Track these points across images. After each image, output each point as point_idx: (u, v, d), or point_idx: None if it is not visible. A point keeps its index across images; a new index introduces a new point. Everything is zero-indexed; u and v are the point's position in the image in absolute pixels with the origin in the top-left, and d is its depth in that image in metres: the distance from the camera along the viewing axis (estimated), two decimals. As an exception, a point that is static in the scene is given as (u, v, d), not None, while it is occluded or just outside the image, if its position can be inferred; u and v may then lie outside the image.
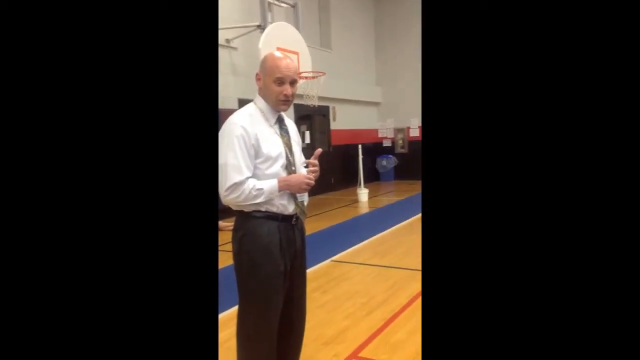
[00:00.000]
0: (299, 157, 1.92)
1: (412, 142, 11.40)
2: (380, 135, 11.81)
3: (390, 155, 11.40)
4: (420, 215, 6.49)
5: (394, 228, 5.75)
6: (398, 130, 11.61)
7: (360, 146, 8.55)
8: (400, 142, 11.61)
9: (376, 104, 11.67)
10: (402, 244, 4.98)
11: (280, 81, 1.77)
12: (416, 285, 3.52)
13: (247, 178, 1.72)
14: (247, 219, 1.79)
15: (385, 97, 11.60)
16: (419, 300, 3.22)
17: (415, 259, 4.31)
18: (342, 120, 10.20)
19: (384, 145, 11.73)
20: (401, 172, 11.30)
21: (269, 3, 6.42)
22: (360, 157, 8.40)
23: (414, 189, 9.54)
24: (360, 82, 10.95)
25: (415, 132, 11.32)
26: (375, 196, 8.94)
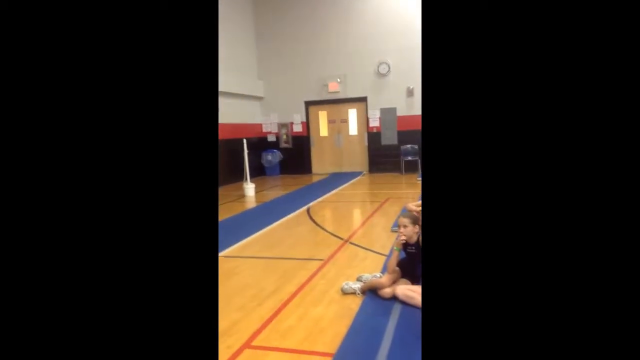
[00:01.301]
0: None
1: (295, 137, 11.70)
2: (264, 130, 11.87)
3: (275, 150, 11.55)
4: (305, 207, 6.75)
5: (281, 220, 5.88)
6: (282, 125, 11.80)
7: (245, 140, 8.49)
8: (285, 137, 11.82)
9: (259, 98, 11.68)
10: (290, 236, 5.13)
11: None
12: (304, 273, 3.69)
13: None
14: None
15: (268, 92, 11.68)
16: (308, 287, 3.39)
17: (302, 249, 4.49)
18: (225, 115, 9.99)
19: (269, 140, 11.83)
20: (286, 167, 11.53)
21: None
22: (246, 151, 8.35)
23: (299, 183, 9.83)
24: (242, 75, 10.84)
25: (299, 128, 11.64)
26: (261, 191, 8.99)
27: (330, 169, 11.50)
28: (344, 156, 11.50)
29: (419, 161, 10.28)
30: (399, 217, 3.26)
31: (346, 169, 11.35)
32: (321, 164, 11.64)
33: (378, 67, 10.66)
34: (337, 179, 10.03)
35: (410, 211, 3.61)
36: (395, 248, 3.16)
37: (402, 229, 3.09)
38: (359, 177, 10.31)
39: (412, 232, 3.06)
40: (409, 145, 10.48)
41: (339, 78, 10.98)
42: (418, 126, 10.43)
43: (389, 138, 10.83)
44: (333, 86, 11.01)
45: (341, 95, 11.08)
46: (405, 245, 3.13)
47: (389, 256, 3.61)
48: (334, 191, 8.38)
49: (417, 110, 10.47)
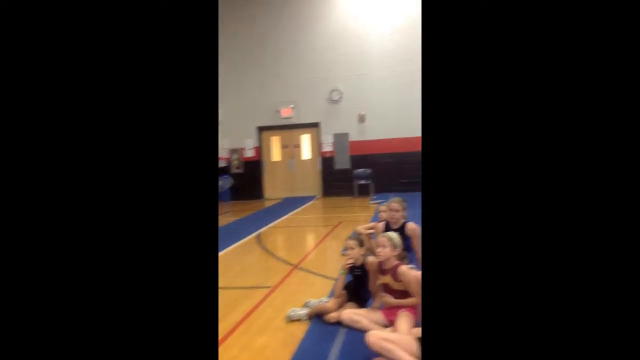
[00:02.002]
0: None
1: (247, 163, 11.55)
2: (216, 155, 11.64)
3: (227, 175, 11.32)
4: (256, 234, 6.59)
5: (230, 248, 5.69)
6: (233, 151, 11.63)
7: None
8: (236, 162, 11.65)
9: (211, 123, 11.48)
10: (238, 264, 4.95)
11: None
12: (250, 302, 3.54)
13: None
14: None
15: (220, 117, 11.53)
16: (253, 316, 3.25)
17: (249, 277, 4.33)
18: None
19: (220, 165, 11.60)
20: (238, 192, 11.31)
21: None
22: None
23: (251, 208, 9.65)
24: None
25: (251, 153, 11.52)
26: (211, 217, 8.73)
27: (284, 193, 11.41)
28: (297, 181, 11.48)
29: (371, 184, 10.45)
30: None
31: (299, 193, 11.31)
32: (274, 189, 11.54)
33: (330, 93, 10.87)
34: (290, 203, 9.95)
35: (360, 234, 3.60)
36: (341, 272, 3.10)
37: (348, 252, 3.05)
38: (312, 202, 10.29)
39: (358, 254, 3.03)
40: (361, 169, 10.64)
41: (292, 104, 11.06)
42: (370, 151, 10.66)
43: (342, 162, 10.96)
44: (286, 112, 11.08)
45: (294, 121, 11.14)
46: (352, 268, 3.09)
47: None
48: (286, 216, 8.28)
49: (368, 135, 10.71)
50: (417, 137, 10.33)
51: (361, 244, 3.06)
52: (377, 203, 9.03)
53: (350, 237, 3.14)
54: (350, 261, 3.02)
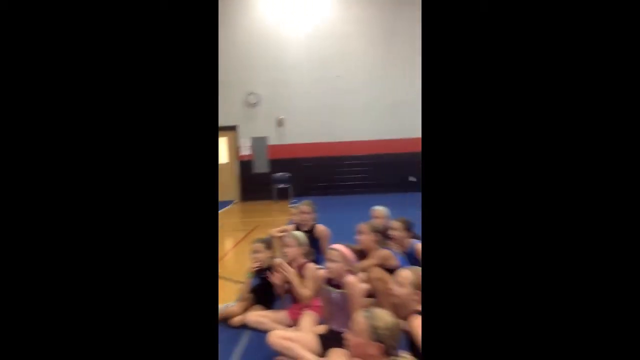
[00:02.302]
0: None
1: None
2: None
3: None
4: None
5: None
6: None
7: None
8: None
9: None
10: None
11: None
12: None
13: None
14: None
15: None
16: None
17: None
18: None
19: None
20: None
21: None
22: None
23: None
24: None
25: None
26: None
27: (200, 198, 11.06)
28: (215, 185, 11.21)
29: (290, 188, 10.54)
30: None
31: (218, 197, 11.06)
32: (190, 193, 11.14)
33: (248, 96, 10.79)
34: (206, 208, 9.68)
35: (272, 237, 3.62)
36: (248, 275, 3.11)
37: (255, 255, 3.07)
38: (229, 206, 10.11)
39: (265, 257, 3.06)
40: (280, 173, 10.68)
41: (209, 105, 10.80)
42: (289, 155, 10.75)
43: (261, 166, 10.92)
44: (203, 113, 10.77)
45: (211, 123, 10.88)
46: (259, 271, 3.11)
47: (246, 284, 3.54)
48: (201, 221, 8.04)
49: (287, 139, 10.79)
50: (337, 142, 10.67)
51: (268, 246, 3.10)
52: (295, 207, 9.16)
53: (256, 241, 3.16)
54: (257, 264, 3.04)
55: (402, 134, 10.11)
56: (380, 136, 10.44)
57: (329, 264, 2.46)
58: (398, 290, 2.00)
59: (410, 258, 3.25)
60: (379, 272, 2.77)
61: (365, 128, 10.49)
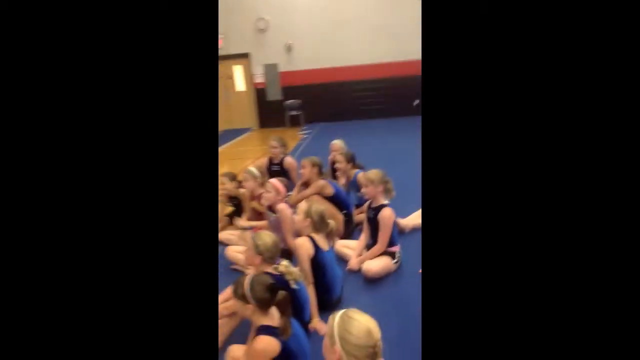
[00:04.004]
0: None
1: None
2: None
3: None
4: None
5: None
6: (168, 85, 11.62)
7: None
8: (172, 96, 11.71)
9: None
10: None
11: None
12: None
13: None
14: None
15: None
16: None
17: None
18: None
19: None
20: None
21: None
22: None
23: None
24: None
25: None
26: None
27: (222, 125, 11.72)
28: (234, 112, 11.79)
29: (302, 115, 10.96)
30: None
31: (237, 125, 11.69)
32: (212, 122, 11.83)
33: (256, 22, 10.83)
34: (227, 135, 10.39)
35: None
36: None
37: (221, 186, 3.73)
38: (247, 133, 10.76)
39: (231, 187, 3.71)
40: (291, 101, 11.04)
41: (222, 34, 10.98)
42: (300, 81, 10.99)
43: (273, 94, 11.29)
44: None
45: (225, 52, 11.15)
46: (229, 198, 3.79)
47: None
48: (220, 148, 8.75)
49: (296, 66, 10.96)
50: (345, 67, 10.72)
51: (233, 178, 3.73)
52: (305, 133, 9.65)
53: (223, 175, 3.79)
54: (223, 192, 3.72)
55: (412, 56, 9.97)
56: (389, 59, 10.34)
57: (265, 194, 3.07)
58: (296, 217, 2.62)
59: (353, 186, 3.80)
60: (316, 199, 3.36)
61: (373, 50, 10.40)
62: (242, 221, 3.53)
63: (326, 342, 1.36)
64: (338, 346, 1.29)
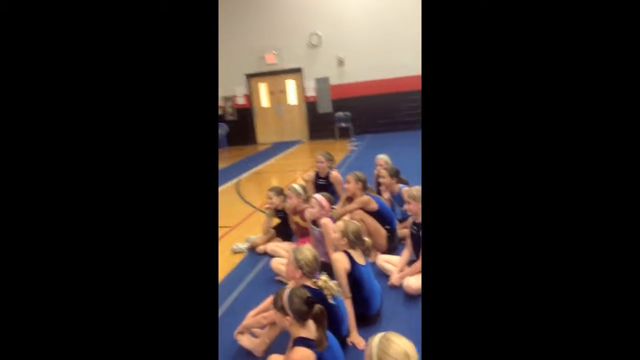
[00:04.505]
0: None
1: (239, 110, 12.20)
2: (208, 104, 12.26)
3: (222, 123, 12.04)
4: (236, 180, 7.47)
5: (220, 189, 6.61)
6: (226, 99, 12.24)
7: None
8: (230, 109, 12.30)
9: (200, 74, 11.97)
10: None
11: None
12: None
13: None
14: None
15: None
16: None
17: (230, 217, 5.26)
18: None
19: (213, 113, 12.25)
20: (233, 139, 12.09)
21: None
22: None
23: (244, 154, 10.49)
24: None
25: (242, 100, 12.12)
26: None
27: (274, 138, 12.14)
28: (286, 125, 12.15)
29: (351, 127, 11.07)
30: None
31: (287, 137, 12.03)
32: (265, 134, 12.26)
33: (310, 38, 11.14)
34: (278, 148, 10.74)
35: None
36: (266, 214, 3.99)
37: (268, 201, 3.90)
38: (296, 146, 11.04)
39: (277, 201, 3.87)
40: (341, 113, 11.20)
41: (275, 50, 11.42)
42: (350, 94, 11.13)
43: (324, 106, 11.51)
44: (270, 58, 11.46)
45: (278, 67, 11.56)
46: (276, 211, 3.96)
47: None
48: (268, 161, 9.12)
49: (347, 79, 11.12)
50: (393, 78, 10.72)
51: (280, 193, 3.89)
52: (354, 145, 9.74)
53: (270, 189, 3.96)
54: (268, 206, 3.90)
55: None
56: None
57: (309, 209, 3.19)
58: (333, 235, 2.71)
59: (398, 200, 3.81)
60: (359, 214, 3.43)
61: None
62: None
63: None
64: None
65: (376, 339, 1.40)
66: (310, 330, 1.83)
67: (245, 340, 2.39)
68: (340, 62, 11.10)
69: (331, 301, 2.17)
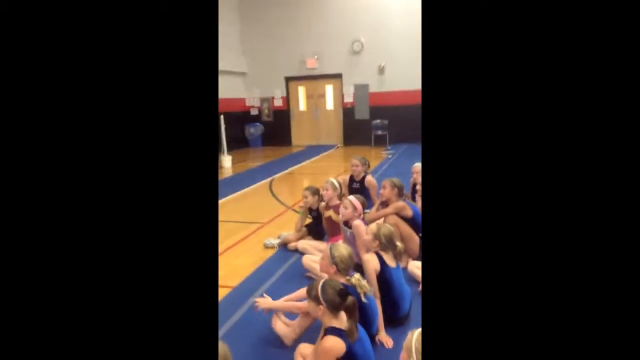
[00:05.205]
0: None
1: (276, 111, 12.43)
2: (247, 104, 12.59)
3: (258, 123, 12.31)
4: (270, 179, 7.61)
5: (247, 189, 6.77)
6: (263, 100, 12.50)
7: (222, 116, 9.25)
8: (266, 110, 12.55)
9: (242, 74, 12.33)
10: (246, 203, 6.03)
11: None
12: (243, 233, 4.60)
13: None
14: None
15: (250, 68, 12.31)
16: (241, 243, 4.30)
17: (250, 214, 5.39)
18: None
19: (252, 113, 12.57)
20: (268, 139, 12.33)
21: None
22: (223, 126, 9.13)
23: (278, 154, 10.67)
24: (227, 52, 11.45)
25: (279, 102, 12.35)
26: (242, 161, 9.84)
27: (309, 141, 12.28)
28: (321, 129, 12.26)
29: (387, 135, 11.04)
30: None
31: (323, 141, 12.14)
32: (300, 137, 12.42)
33: (352, 44, 11.24)
34: (312, 151, 10.85)
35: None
36: (299, 212, 4.05)
37: (303, 200, 3.97)
38: (332, 150, 11.12)
39: (312, 200, 3.94)
40: (379, 120, 11.20)
41: (316, 55, 11.58)
42: (388, 102, 11.13)
43: (362, 113, 11.55)
44: (311, 63, 11.63)
45: (318, 72, 11.71)
46: (310, 210, 4.02)
47: (308, 219, 4.49)
48: (303, 163, 9.23)
49: (387, 87, 11.13)
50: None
51: (315, 192, 3.96)
52: (388, 153, 9.72)
53: (306, 188, 4.04)
54: (302, 205, 3.96)
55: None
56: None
57: (342, 211, 3.23)
58: (365, 236, 2.75)
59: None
60: (393, 219, 3.44)
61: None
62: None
63: (404, 355, 1.45)
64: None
65: (416, 333, 1.45)
66: (342, 321, 1.87)
67: (279, 327, 2.45)
68: (381, 70, 11.12)
69: (364, 299, 2.20)
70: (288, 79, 12.13)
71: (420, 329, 1.45)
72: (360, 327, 1.92)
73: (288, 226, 4.70)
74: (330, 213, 3.71)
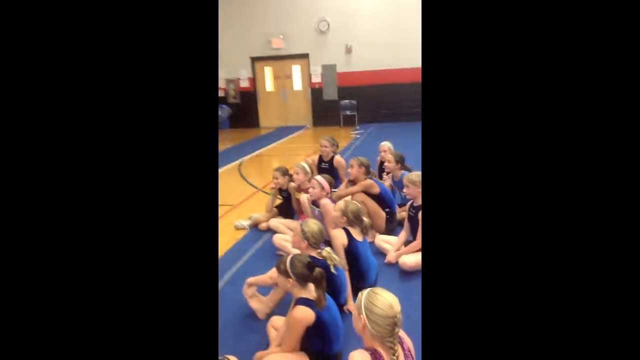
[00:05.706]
0: None
1: (243, 93, 12.26)
2: (213, 86, 12.31)
3: (223, 105, 12.11)
4: (238, 161, 7.59)
5: (221, 170, 6.74)
6: (229, 81, 12.28)
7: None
8: (232, 92, 12.36)
9: (207, 55, 12.00)
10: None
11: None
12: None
13: None
14: None
15: (216, 49, 12.00)
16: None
17: (220, 197, 5.40)
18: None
19: (218, 95, 12.34)
20: (235, 121, 12.17)
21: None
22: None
23: (245, 136, 10.59)
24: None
25: (245, 83, 12.18)
26: (208, 145, 9.71)
27: (277, 122, 12.23)
28: (290, 110, 12.22)
29: (356, 115, 11.15)
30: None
31: (291, 122, 12.12)
32: (269, 118, 12.34)
33: (319, 24, 11.16)
34: (281, 132, 10.83)
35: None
36: (270, 193, 4.12)
37: (274, 180, 4.03)
38: (301, 131, 11.14)
39: (282, 181, 4.01)
40: (347, 101, 11.28)
41: (282, 35, 11.45)
42: (356, 82, 11.19)
43: (330, 93, 11.58)
44: (277, 42, 11.47)
45: (285, 52, 11.60)
46: (280, 191, 4.09)
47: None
48: (272, 145, 9.22)
49: (355, 67, 11.17)
50: (401, 69, 10.78)
51: (285, 173, 4.02)
52: (357, 133, 9.84)
53: (276, 169, 4.09)
54: (273, 186, 4.03)
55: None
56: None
57: (311, 190, 3.33)
58: (333, 213, 2.87)
59: (399, 186, 3.96)
60: (360, 196, 3.57)
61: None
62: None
63: (355, 313, 1.59)
64: (363, 316, 1.52)
65: (365, 292, 1.58)
66: (310, 292, 1.98)
67: (254, 302, 2.55)
68: (348, 50, 11.13)
69: (333, 271, 2.32)
70: (254, 59, 11.95)
71: (368, 289, 1.59)
72: (328, 297, 2.04)
73: (258, 208, 4.76)
74: (299, 196, 3.80)
